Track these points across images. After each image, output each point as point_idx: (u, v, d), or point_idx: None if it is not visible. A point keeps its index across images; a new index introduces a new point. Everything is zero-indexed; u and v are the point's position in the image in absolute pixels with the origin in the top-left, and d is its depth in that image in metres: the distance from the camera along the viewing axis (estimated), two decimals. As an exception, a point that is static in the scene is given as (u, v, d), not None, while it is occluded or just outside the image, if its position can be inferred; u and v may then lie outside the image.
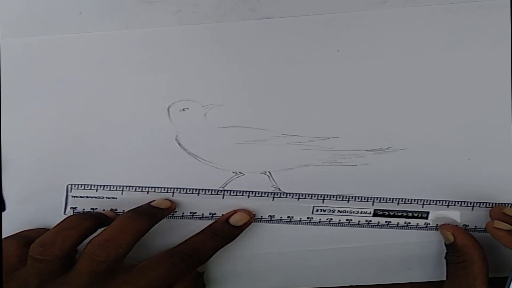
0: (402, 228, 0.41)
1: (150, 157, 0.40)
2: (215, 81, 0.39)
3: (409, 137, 0.39)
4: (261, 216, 0.42)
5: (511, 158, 0.39)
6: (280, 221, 0.42)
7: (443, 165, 0.39)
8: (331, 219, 0.42)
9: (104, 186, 0.41)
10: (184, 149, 0.40)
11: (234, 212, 0.41)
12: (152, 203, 0.40)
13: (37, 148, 0.40)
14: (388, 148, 0.39)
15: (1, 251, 0.38)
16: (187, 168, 0.40)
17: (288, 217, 0.42)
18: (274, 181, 0.41)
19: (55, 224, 0.37)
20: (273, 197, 0.41)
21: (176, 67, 0.39)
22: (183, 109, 0.39)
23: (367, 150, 0.40)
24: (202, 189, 0.41)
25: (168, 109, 0.39)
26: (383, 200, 0.41)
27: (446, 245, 0.40)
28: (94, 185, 0.41)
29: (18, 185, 0.41)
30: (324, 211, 0.42)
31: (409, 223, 0.41)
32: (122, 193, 0.41)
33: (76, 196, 0.42)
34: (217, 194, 0.41)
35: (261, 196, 0.41)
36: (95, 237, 0.36)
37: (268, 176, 0.41)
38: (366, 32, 0.37)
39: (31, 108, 0.40)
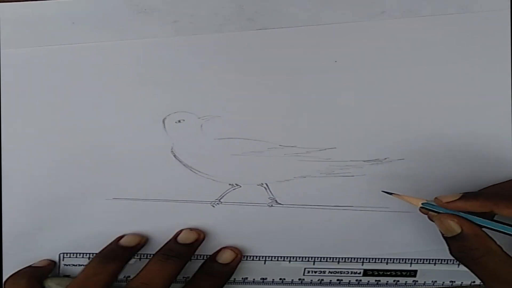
0: (392, 286, 0.43)
1: (146, 169, 0.40)
2: (212, 92, 0.38)
3: (406, 147, 0.39)
4: (254, 279, 0.43)
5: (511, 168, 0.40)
6: (273, 283, 0.43)
7: (440, 175, 0.40)
8: (322, 279, 0.43)
9: (95, 254, 0.41)
10: (180, 161, 0.40)
11: (219, 250, 0.42)
12: (178, 240, 0.40)
13: (30, 161, 0.40)
14: (385, 158, 0.40)
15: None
16: (183, 180, 0.40)
17: (280, 279, 0.43)
18: (271, 193, 0.40)
19: (80, 272, 0.39)
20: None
21: (172, 78, 0.38)
22: (179, 121, 0.39)
23: (364, 161, 0.40)
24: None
25: (163, 120, 0.39)
26: (372, 260, 0.42)
27: (446, 238, 0.36)
28: (86, 253, 0.42)
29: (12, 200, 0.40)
30: (315, 272, 0.43)
31: (398, 281, 0.43)
32: None
33: (68, 265, 0.42)
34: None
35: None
36: (131, 280, 0.38)
37: (265, 188, 0.40)
38: (363, 42, 0.37)
39: (21, 119, 0.39)
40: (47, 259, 0.42)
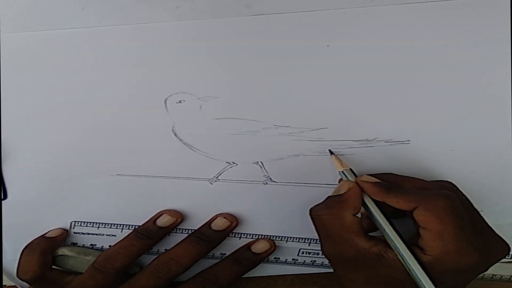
0: None
1: (147, 147, 0.42)
2: (211, 74, 0.40)
3: (394, 128, 0.41)
4: None
5: (497, 149, 0.42)
6: (267, 261, 0.44)
7: (425, 155, 0.42)
8: (315, 261, 0.45)
9: (105, 224, 0.44)
10: (180, 140, 0.42)
11: (256, 240, 0.44)
12: (212, 226, 0.43)
13: (38, 138, 0.42)
14: (374, 138, 0.41)
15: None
16: (183, 158, 0.42)
17: (275, 258, 0.45)
18: (266, 170, 0.42)
19: (119, 240, 0.42)
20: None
21: (174, 61, 0.40)
22: (180, 101, 0.41)
23: (354, 141, 0.42)
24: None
25: (165, 101, 0.41)
26: None
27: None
28: (96, 223, 0.44)
29: (19, 174, 0.43)
30: (309, 253, 0.44)
31: None
32: (121, 231, 0.44)
33: (78, 233, 0.44)
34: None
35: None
36: (161, 254, 0.42)
37: (260, 166, 0.42)
38: (354, 28, 0.39)
39: (32, 100, 0.41)
40: (60, 228, 0.44)
